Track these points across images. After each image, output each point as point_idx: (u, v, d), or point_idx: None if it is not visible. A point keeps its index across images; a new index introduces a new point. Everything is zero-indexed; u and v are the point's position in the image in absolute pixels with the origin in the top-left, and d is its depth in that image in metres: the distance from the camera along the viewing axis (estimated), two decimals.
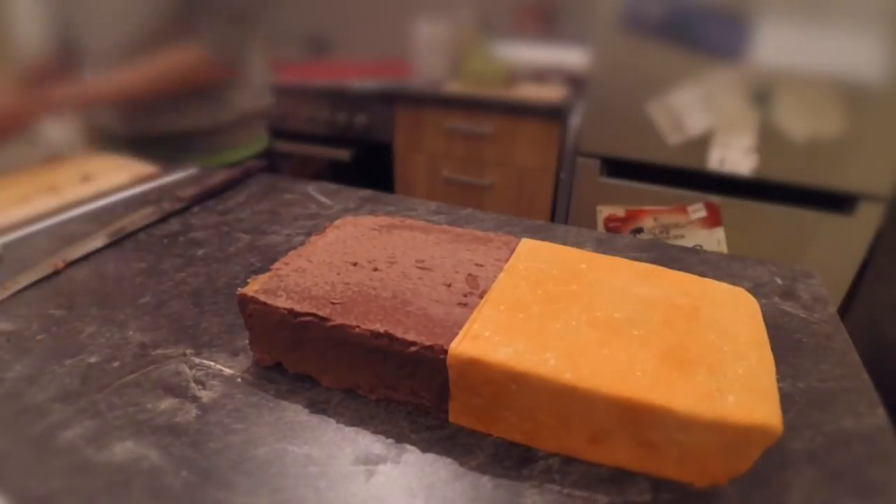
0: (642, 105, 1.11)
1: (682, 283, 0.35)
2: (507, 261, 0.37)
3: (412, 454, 0.30)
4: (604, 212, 1.14)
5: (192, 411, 0.32)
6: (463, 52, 1.53)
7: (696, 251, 0.51)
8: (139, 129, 0.85)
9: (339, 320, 0.32)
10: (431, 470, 0.29)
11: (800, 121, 1.02)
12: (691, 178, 1.13)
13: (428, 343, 0.30)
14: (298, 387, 0.35)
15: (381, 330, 0.31)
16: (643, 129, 1.13)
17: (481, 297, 0.33)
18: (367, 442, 0.31)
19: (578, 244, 0.52)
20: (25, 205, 0.59)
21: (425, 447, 0.30)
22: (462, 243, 0.40)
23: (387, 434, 0.31)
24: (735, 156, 1.08)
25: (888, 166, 1.00)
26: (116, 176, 0.68)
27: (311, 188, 0.67)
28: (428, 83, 1.53)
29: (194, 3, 0.78)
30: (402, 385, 0.32)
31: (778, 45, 0.99)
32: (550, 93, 1.43)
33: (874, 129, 0.98)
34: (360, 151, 1.62)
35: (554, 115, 1.36)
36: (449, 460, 0.30)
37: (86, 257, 0.50)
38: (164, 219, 0.57)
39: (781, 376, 0.36)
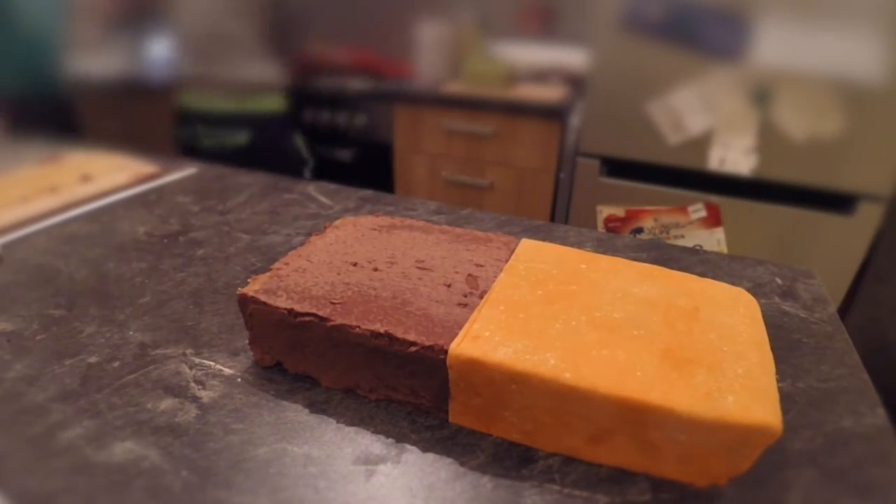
0: (642, 105, 1.11)
1: (682, 284, 0.35)
2: (507, 261, 0.37)
3: (412, 454, 0.30)
4: (604, 212, 1.14)
5: (192, 411, 0.32)
6: (463, 52, 1.53)
7: (695, 251, 0.51)
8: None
9: (339, 320, 0.32)
10: (431, 470, 0.29)
11: (800, 121, 1.02)
12: (691, 178, 1.13)
13: (428, 343, 0.30)
14: (298, 387, 0.35)
15: (381, 330, 0.31)
16: (643, 129, 1.13)
17: (481, 297, 0.33)
18: (367, 442, 0.31)
19: (578, 244, 0.52)
20: (25, 205, 0.59)
21: (425, 447, 0.30)
22: (462, 243, 0.40)
23: (387, 434, 0.31)
24: (735, 156, 1.08)
25: (888, 166, 1.00)
26: (116, 176, 0.68)
27: (311, 188, 0.67)
28: (428, 83, 1.53)
29: None
30: (402, 385, 0.32)
31: (778, 45, 0.99)
32: (550, 93, 1.43)
33: (874, 129, 0.98)
34: (360, 151, 1.62)
35: (554, 115, 1.36)
36: (449, 460, 0.30)
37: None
38: None
39: (781, 376, 0.36)
